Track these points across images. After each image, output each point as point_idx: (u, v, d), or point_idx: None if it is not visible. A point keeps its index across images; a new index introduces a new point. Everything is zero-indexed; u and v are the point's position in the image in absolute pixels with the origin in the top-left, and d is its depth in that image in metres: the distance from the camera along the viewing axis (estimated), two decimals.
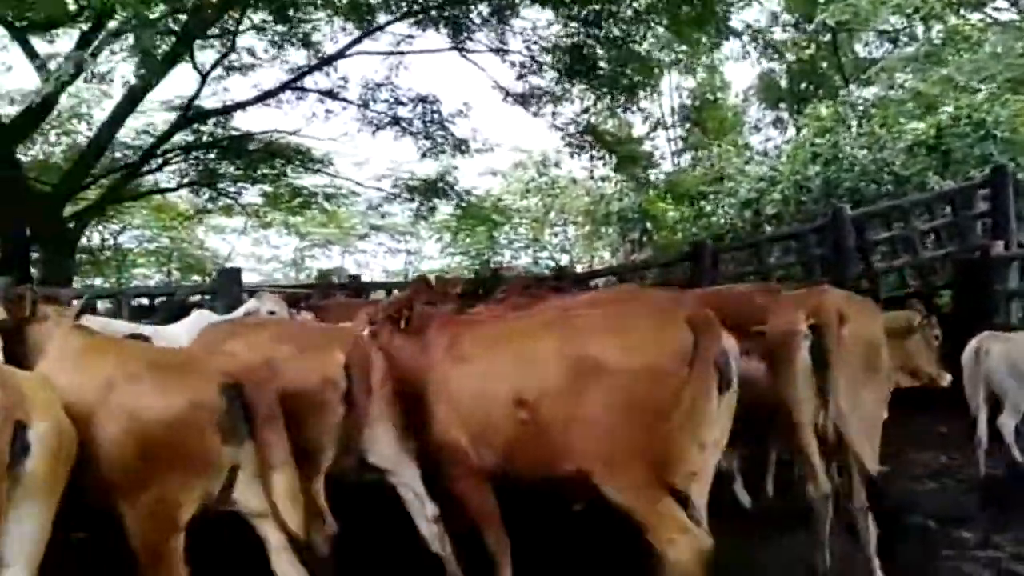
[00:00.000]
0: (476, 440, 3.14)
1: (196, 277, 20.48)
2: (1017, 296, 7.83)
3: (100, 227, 20.59)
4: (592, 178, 22.13)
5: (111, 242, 21.71)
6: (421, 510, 3.56)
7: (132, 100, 11.93)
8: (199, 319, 5.71)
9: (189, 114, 12.96)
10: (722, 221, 14.79)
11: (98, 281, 20.56)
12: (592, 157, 16.28)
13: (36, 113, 11.48)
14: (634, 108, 15.45)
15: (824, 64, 19.59)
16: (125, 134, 14.23)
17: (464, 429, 3.16)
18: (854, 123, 15.41)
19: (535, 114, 14.76)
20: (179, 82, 13.08)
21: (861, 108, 17.20)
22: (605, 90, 13.65)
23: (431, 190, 15.66)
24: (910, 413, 5.83)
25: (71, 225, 12.69)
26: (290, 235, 24.02)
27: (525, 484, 3.18)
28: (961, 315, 8.31)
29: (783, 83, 20.63)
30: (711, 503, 4.62)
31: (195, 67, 12.46)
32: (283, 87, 13.86)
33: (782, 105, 20.75)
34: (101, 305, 9.34)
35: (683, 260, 10.36)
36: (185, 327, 5.52)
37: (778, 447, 5.10)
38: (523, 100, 14.29)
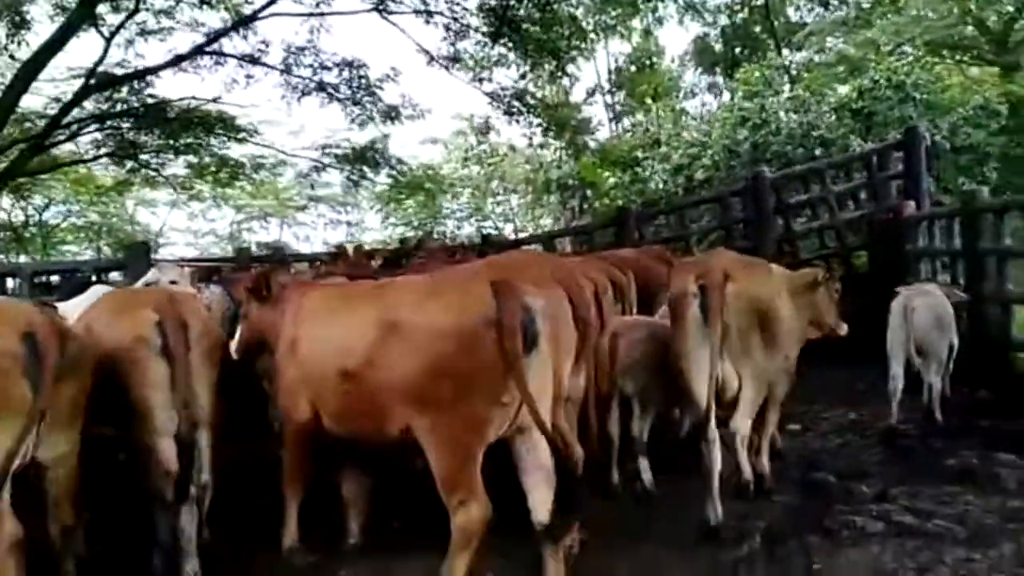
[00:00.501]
0: (317, 403, 3.27)
1: None
2: (926, 255, 7.97)
3: (22, 202, 19.70)
4: (531, 145, 21.98)
5: (36, 218, 20.87)
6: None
7: (33, 67, 11.22)
8: (95, 294, 5.50)
9: (94, 80, 12.28)
10: (658, 186, 14.78)
11: (23, 259, 19.74)
12: (531, 124, 16.05)
13: None
14: (563, 73, 15.22)
15: (757, 28, 19.67)
16: (38, 104, 13.51)
17: (307, 392, 3.29)
18: (786, 87, 15.53)
19: (469, 81, 14.46)
20: (95, 50, 12.41)
21: (794, 72, 17.37)
22: (533, 54, 13.39)
23: (361, 159, 15.27)
24: (822, 368, 5.94)
25: None
26: (222, 208, 23.38)
27: (367, 446, 3.29)
28: (876, 274, 8.50)
29: (718, 48, 20.67)
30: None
31: (98, 30, 11.80)
32: (198, 50, 13.22)
33: (717, 70, 20.80)
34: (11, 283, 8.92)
35: (610, 226, 10.33)
36: (79, 303, 5.31)
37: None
38: (451, 64, 13.94)
